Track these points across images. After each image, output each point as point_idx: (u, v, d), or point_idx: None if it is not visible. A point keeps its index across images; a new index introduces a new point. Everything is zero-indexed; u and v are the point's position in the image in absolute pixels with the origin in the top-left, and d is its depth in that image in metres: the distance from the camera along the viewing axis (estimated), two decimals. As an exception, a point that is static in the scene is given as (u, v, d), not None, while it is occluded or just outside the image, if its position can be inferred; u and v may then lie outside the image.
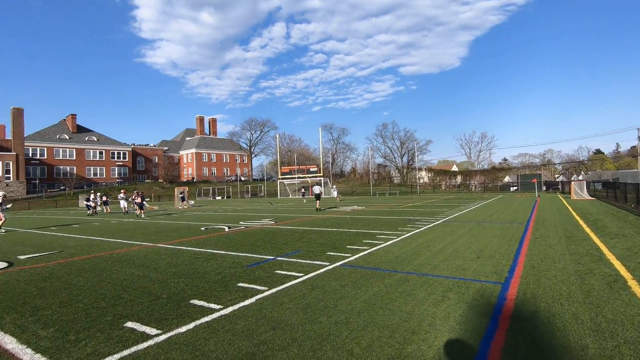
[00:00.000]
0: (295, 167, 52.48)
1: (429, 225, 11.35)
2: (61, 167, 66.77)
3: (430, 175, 59.91)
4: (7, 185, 54.88)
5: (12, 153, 55.92)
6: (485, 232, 9.54)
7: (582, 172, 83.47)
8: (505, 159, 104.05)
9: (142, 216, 20.19)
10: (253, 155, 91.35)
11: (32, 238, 11.74)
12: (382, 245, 7.94)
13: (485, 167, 65.97)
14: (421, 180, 60.86)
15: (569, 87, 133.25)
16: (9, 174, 55.65)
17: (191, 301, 4.42)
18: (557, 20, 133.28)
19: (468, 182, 54.74)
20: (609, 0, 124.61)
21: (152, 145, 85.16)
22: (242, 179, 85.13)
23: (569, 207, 17.83)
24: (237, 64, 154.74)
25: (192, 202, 41.95)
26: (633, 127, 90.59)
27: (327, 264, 6.29)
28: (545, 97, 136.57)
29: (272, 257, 7.04)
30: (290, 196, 50.56)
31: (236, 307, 4.16)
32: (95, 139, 72.82)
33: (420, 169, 63.85)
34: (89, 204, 25.06)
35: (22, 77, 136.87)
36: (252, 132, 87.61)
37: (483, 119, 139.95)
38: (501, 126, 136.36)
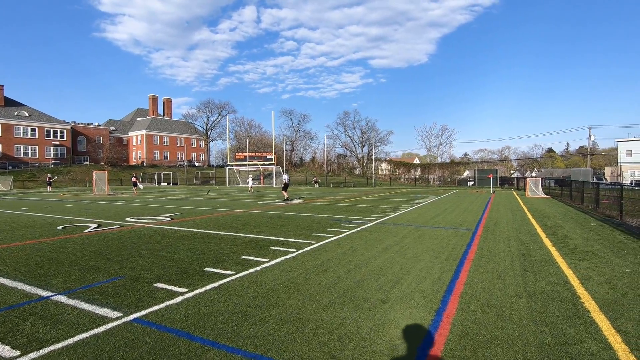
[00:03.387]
0: (248, 154, 48.89)
1: (355, 230, 8.83)
2: (-17, 144, 58.76)
3: (389, 167, 58.49)
4: None
5: None
6: (419, 244, 7.12)
7: (535, 169, 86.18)
8: (466, 154, 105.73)
9: None
10: (210, 140, 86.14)
11: None
12: (255, 269, 5.23)
13: (446, 160, 65.68)
14: (381, 172, 59.37)
15: (528, 87, 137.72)
16: None
17: None
18: (518, 24, 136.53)
19: (427, 176, 53.80)
20: (566, 7, 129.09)
21: (96, 124, 77.65)
22: (197, 164, 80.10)
23: (524, 206, 16.14)
24: (204, 45, 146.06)
25: (141, 186, 38.44)
26: (585, 127, 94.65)
27: (116, 315, 3.49)
28: (506, 96, 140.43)
29: (48, 294, 4.13)
30: (240, 184, 47.08)
31: None
32: (27, 114, 64.84)
33: (381, 161, 62.35)
34: None
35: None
36: (209, 115, 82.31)
37: (447, 115, 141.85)
38: (464, 122, 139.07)
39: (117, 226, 9.56)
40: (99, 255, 6.10)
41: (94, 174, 28.01)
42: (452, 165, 57.79)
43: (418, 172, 55.76)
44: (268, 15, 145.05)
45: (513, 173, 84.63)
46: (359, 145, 68.62)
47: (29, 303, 3.86)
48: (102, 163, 64.96)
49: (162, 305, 3.78)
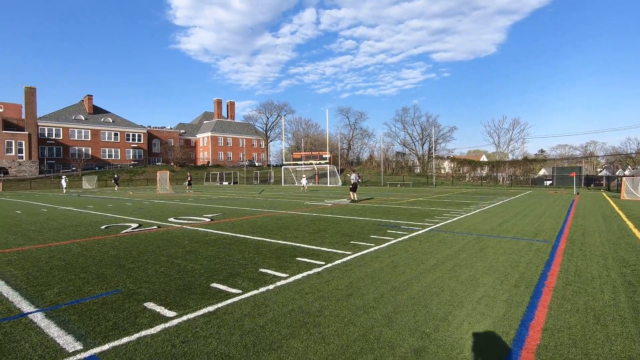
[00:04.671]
0: (304, 154, 48.89)
1: (402, 238, 7.58)
2: (76, 147, 66.61)
3: (452, 165, 54.56)
4: (19, 164, 55.11)
5: (25, 132, 55.88)
6: (479, 260, 5.71)
7: (629, 167, 74.64)
8: (542, 150, 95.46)
9: None
10: (269, 140, 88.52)
11: None
12: (267, 288, 4.36)
13: (518, 157, 59.57)
14: (443, 171, 55.70)
15: (616, 74, 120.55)
16: (22, 153, 55.76)
17: None
18: (603, 2, 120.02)
19: (495, 174, 49.16)
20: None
21: (168, 128, 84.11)
22: (257, 164, 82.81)
23: (619, 211, 13.32)
24: (267, 50, 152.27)
25: (186, 185, 40.22)
26: (694, 117, 79.74)
27: (75, 348, 2.84)
28: (590, 85, 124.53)
29: (30, 310, 3.68)
30: (296, 183, 47.22)
31: None
32: (111, 120, 72.30)
33: (443, 159, 58.56)
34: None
35: (46, 57, 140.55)
36: (268, 116, 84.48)
37: (519, 108, 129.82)
38: (539, 115, 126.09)
39: (155, 227, 9.42)
40: (115, 261, 5.71)
41: (157, 174, 29.82)
42: (525, 162, 52.14)
43: (485, 171, 51.24)
44: (327, 16, 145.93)
45: (600, 171, 74.44)
46: (419, 142, 65.23)
47: (1, 321, 3.40)
48: (172, 164, 70.00)
49: (134, 336, 3.06)
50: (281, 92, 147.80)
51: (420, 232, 8.41)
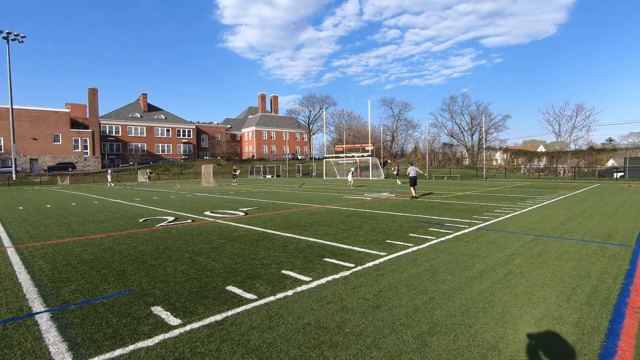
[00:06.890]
0: (346, 146, 48.13)
1: (445, 237, 6.79)
2: (133, 143, 71.31)
3: (505, 156, 50.84)
4: (85, 159, 60.10)
5: (89, 130, 60.68)
6: (538, 267, 4.83)
7: None
8: (610, 139, 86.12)
9: None
10: (312, 133, 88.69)
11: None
12: (286, 294, 3.90)
13: (582, 147, 54.14)
14: (495, 163, 52.18)
15: None
16: (87, 149, 60.71)
17: None
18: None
19: (555, 166, 45.05)
20: None
21: (215, 123, 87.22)
22: (300, 157, 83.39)
23: None
24: (310, 44, 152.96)
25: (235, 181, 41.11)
26: None
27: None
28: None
29: (38, 310, 3.54)
30: (337, 177, 46.66)
31: None
32: (164, 117, 76.37)
33: (494, 150, 54.85)
34: None
35: (107, 61, 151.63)
36: (311, 109, 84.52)
37: (582, 93, 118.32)
38: (607, 101, 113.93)
39: (189, 221, 9.41)
40: (139, 257, 5.59)
41: (202, 167, 30.80)
42: (590, 153, 47.18)
43: (543, 162, 47.15)
44: (370, 6, 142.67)
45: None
46: (468, 132, 61.67)
47: (6, 322, 3.27)
48: (219, 158, 72.54)
49: (128, 348, 2.74)
50: (324, 86, 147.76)
51: (467, 230, 7.54)
